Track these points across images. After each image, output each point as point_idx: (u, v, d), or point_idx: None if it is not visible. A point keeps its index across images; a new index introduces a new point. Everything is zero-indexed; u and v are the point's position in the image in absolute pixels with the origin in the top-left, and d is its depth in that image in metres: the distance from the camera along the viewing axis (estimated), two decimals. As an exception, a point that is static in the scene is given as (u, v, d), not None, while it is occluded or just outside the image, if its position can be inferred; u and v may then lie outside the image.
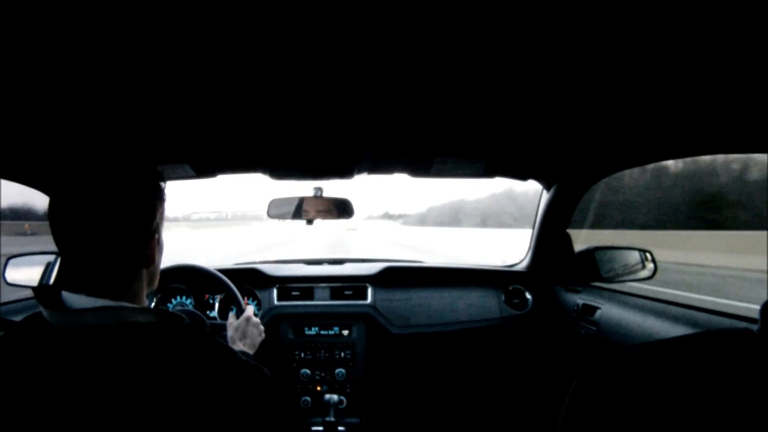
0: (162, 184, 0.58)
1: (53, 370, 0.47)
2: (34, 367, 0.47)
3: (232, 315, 1.10)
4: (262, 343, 1.06)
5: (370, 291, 1.59)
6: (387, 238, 23.68)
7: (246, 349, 0.98)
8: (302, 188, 1.37)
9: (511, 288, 1.64)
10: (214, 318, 1.47)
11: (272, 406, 0.54)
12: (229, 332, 1.02)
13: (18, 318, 1.16)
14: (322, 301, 1.56)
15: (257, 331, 1.04)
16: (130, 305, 0.53)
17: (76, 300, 0.51)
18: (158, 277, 0.63)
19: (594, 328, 1.27)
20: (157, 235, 0.58)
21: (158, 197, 0.57)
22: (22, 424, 0.45)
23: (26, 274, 1.30)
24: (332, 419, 1.30)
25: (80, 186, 0.52)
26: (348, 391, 1.49)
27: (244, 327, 1.02)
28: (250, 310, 1.10)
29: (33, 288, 0.54)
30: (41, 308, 0.51)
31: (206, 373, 0.49)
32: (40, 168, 1.06)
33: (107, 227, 0.52)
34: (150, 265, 0.58)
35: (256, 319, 1.07)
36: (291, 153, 1.17)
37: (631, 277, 1.37)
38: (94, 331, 0.49)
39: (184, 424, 0.46)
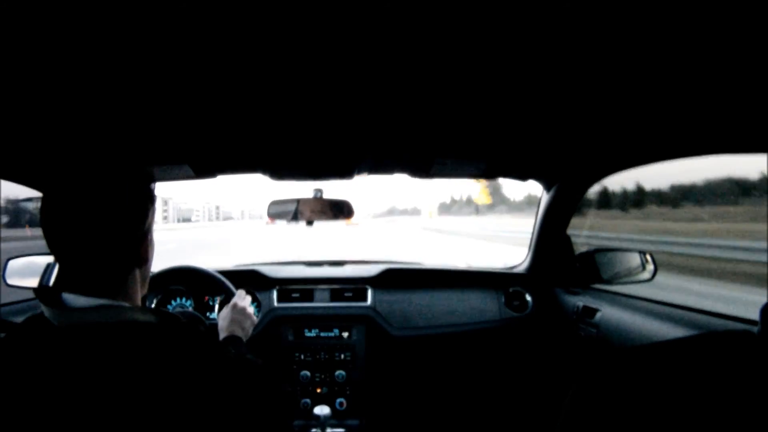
0: (152, 184, 0.59)
1: (55, 368, 0.48)
2: (37, 366, 0.48)
3: (225, 308, 1.10)
4: (263, 344, 1.06)
5: (369, 293, 1.58)
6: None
7: (238, 335, 0.98)
8: (302, 189, 1.37)
9: (511, 290, 1.64)
10: (213, 319, 1.47)
11: (259, 398, 0.59)
12: (219, 322, 1.03)
13: (18, 319, 1.17)
14: (322, 302, 1.56)
15: (245, 317, 1.04)
16: (128, 304, 0.54)
17: (75, 300, 0.52)
18: (149, 277, 0.64)
19: (594, 330, 1.26)
20: (149, 235, 0.59)
21: (149, 198, 0.58)
22: (27, 422, 0.46)
23: (26, 275, 1.30)
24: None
25: (73, 187, 0.52)
26: (348, 392, 1.49)
27: (231, 315, 1.02)
28: (237, 297, 1.10)
29: (34, 288, 0.55)
30: (42, 307, 0.52)
31: (199, 370, 0.51)
32: (41, 169, 1.06)
33: (101, 228, 0.52)
34: (143, 264, 0.59)
35: (243, 304, 1.06)
36: (291, 154, 1.17)
37: (632, 279, 1.37)
38: (94, 329, 0.50)
39: (180, 418, 0.48)
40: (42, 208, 0.52)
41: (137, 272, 0.59)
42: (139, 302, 0.59)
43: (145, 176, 0.58)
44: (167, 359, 0.49)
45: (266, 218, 1.43)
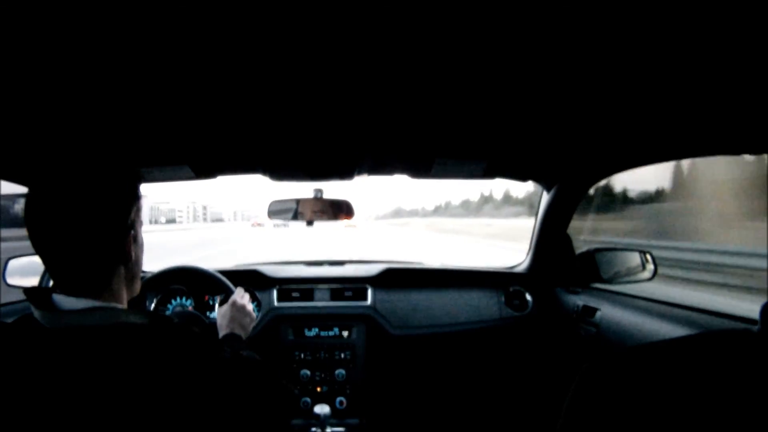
0: (138, 183, 0.59)
1: (44, 371, 0.47)
2: (25, 368, 0.48)
3: (224, 306, 1.10)
4: (263, 343, 1.06)
5: (370, 292, 1.59)
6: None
7: (237, 332, 0.98)
8: (300, 189, 1.37)
9: (511, 289, 1.64)
10: (213, 318, 1.48)
11: (256, 395, 0.59)
12: (218, 320, 1.04)
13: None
14: (322, 302, 1.56)
15: (243, 314, 1.04)
16: (119, 306, 0.54)
17: (66, 301, 0.52)
18: (139, 278, 0.63)
19: (594, 330, 1.26)
20: (133, 231, 0.58)
21: (133, 194, 0.57)
22: (16, 424, 0.46)
23: (26, 275, 1.30)
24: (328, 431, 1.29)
25: (53, 182, 0.52)
26: (348, 392, 1.49)
27: (231, 313, 1.02)
28: (236, 295, 1.10)
29: (24, 289, 0.54)
30: (32, 309, 0.51)
31: (192, 371, 0.51)
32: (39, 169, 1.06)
33: (81, 222, 0.52)
34: (128, 261, 0.58)
35: (242, 302, 1.06)
36: (291, 154, 1.17)
37: (632, 278, 1.37)
38: (86, 332, 0.49)
39: (173, 419, 0.48)
40: (26, 205, 0.52)
41: (122, 270, 0.58)
42: (125, 302, 0.59)
43: (129, 172, 0.58)
44: (159, 361, 0.49)
45: (265, 220, 1.41)
